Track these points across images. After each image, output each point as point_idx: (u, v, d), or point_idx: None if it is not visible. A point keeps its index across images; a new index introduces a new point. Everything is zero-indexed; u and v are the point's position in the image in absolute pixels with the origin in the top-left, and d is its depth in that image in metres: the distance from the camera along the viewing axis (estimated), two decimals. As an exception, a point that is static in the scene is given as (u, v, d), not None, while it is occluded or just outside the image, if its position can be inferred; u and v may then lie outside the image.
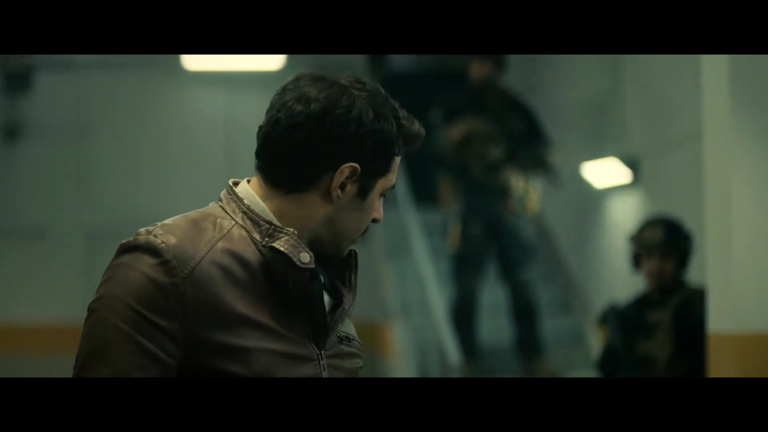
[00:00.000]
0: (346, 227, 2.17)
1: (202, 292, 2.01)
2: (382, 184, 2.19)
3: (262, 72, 10.30)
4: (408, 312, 8.77)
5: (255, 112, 2.66)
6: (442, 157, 7.97)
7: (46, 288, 10.72)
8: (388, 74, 11.24)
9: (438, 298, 7.94)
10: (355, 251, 2.26)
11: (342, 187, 2.13)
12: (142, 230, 2.06)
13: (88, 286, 3.99)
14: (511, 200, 7.92)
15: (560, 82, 9.67)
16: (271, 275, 2.08)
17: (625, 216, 7.90)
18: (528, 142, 7.97)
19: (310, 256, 2.09)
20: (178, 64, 10.64)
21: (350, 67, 10.78)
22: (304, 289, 2.10)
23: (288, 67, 10.08)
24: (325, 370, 2.13)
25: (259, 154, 2.16)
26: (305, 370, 2.10)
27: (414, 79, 11.21)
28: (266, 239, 2.09)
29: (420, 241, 8.58)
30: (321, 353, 2.14)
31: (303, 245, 2.10)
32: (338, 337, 2.21)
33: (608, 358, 5.47)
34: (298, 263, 2.07)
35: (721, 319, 4.36)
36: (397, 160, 2.21)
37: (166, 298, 1.99)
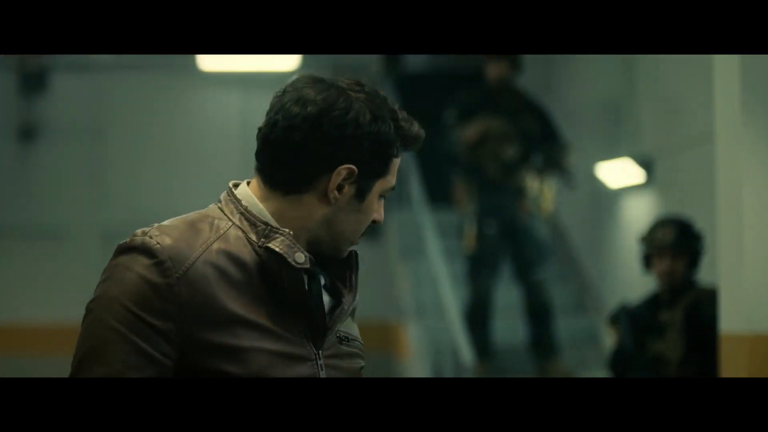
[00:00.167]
0: (344, 228, 2.17)
1: (197, 292, 2.02)
2: (380, 185, 2.19)
3: (277, 73, 10.30)
4: (422, 312, 8.77)
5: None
6: (457, 157, 7.97)
7: (61, 288, 10.74)
8: (402, 74, 11.24)
9: (452, 298, 7.95)
10: (355, 252, 2.26)
11: (339, 188, 2.14)
12: (139, 231, 2.07)
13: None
14: (526, 200, 7.91)
15: (574, 83, 9.66)
16: (266, 275, 2.09)
17: (639, 216, 7.89)
18: (543, 143, 7.96)
19: (306, 257, 2.10)
20: (193, 65, 10.67)
21: (365, 67, 10.79)
22: (300, 289, 2.11)
23: (303, 67, 10.09)
24: (323, 370, 2.14)
25: (258, 155, 2.18)
26: (302, 370, 2.10)
27: (429, 79, 11.20)
28: (262, 240, 2.10)
29: (434, 242, 8.59)
30: (319, 353, 2.14)
31: (298, 246, 2.10)
32: (338, 337, 2.21)
33: (619, 358, 5.47)
34: (293, 263, 2.08)
35: (732, 319, 4.35)
36: (396, 161, 2.21)
37: (161, 299, 2.00)
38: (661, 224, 5.47)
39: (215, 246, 2.07)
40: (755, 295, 4.24)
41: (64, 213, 11.02)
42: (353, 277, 2.25)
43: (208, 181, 10.46)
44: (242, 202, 2.16)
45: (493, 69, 7.95)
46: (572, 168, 7.98)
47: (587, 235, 9.39)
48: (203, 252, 2.06)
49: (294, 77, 2.20)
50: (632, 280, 7.59)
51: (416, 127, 2.22)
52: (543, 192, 7.98)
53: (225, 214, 2.15)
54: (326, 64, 10.04)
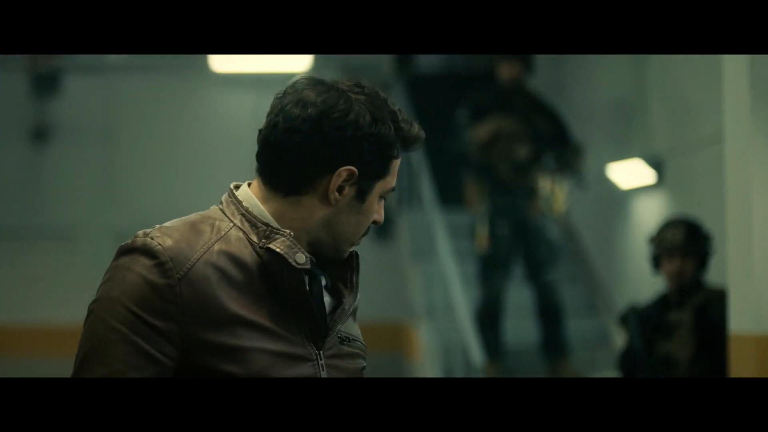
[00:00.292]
0: (344, 230, 2.18)
1: (198, 292, 2.03)
2: (380, 186, 2.20)
3: (289, 74, 10.30)
4: (433, 313, 8.78)
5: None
6: (469, 157, 7.96)
7: (73, 288, 10.77)
8: (414, 75, 11.24)
9: (462, 299, 7.95)
10: (356, 252, 2.27)
11: (340, 190, 2.15)
12: (140, 232, 2.08)
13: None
14: (538, 200, 7.91)
15: (585, 84, 9.66)
16: (267, 276, 2.10)
17: (649, 216, 7.89)
18: (555, 143, 7.96)
19: (306, 257, 2.11)
20: (206, 66, 10.69)
21: (377, 67, 10.81)
22: (301, 289, 2.11)
23: (315, 68, 10.11)
24: (323, 370, 2.14)
25: (259, 157, 2.18)
26: (303, 370, 2.11)
27: (441, 80, 11.20)
28: (263, 241, 2.11)
29: (444, 243, 8.59)
30: (319, 353, 2.15)
31: (299, 246, 2.11)
32: (339, 337, 2.21)
33: (628, 358, 5.48)
34: (294, 264, 2.08)
35: (741, 319, 4.35)
36: (396, 162, 2.21)
37: (162, 299, 2.01)
38: (670, 225, 5.48)
39: (216, 247, 2.08)
40: (764, 295, 4.24)
41: (76, 214, 11.05)
42: (354, 277, 2.25)
43: (219, 182, 10.41)
44: (243, 203, 2.17)
45: (506, 70, 7.95)
46: (584, 168, 7.98)
47: (598, 235, 9.38)
48: (204, 253, 2.07)
49: (294, 79, 2.20)
50: (643, 281, 7.58)
51: (416, 129, 2.22)
52: (555, 192, 7.98)
53: (226, 216, 2.16)
54: (337, 65, 10.05)
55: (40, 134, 11.09)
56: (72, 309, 10.82)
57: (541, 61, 8.99)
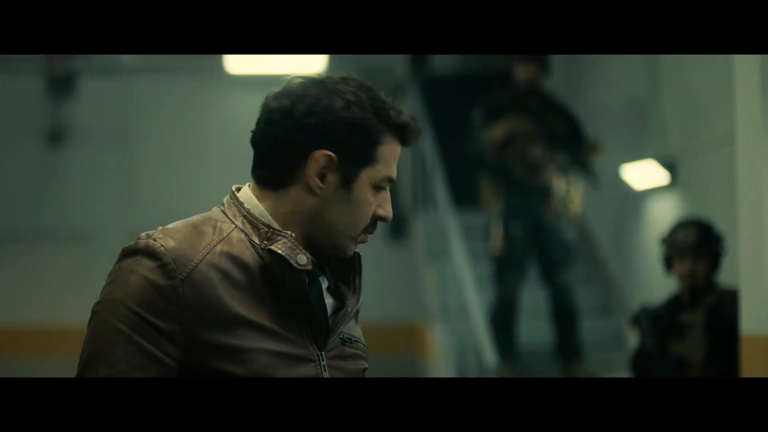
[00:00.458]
0: (334, 221, 2.16)
1: (200, 293, 2.04)
2: (369, 175, 2.17)
3: (303, 75, 10.31)
4: (448, 314, 8.79)
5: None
6: (484, 157, 7.96)
7: (90, 290, 10.79)
8: (429, 76, 11.23)
9: (475, 300, 7.95)
10: (358, 254, 2.26)
11: (322, 177, 2.14)
12: (143, 234, 2.10)
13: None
14: (553, 201, 7.90)
15: (599, 84, 9.66)
16: (269, 277, 2.11)
17: (663, 217, 7.89)
18: (569, 144, 7.95)
19: (308, 258, 2.11)
20: (220, 67, 10.72)
21: (392, 68, 10.81)
22: (302, 290, 2.11)
23: (330, 70, 10.11)
24: (325, 371, 2.15)
25: (253, 157, 2.21)
26: (305, 371, 2.11)
27: (456, 81, 11.19)
28: (264, 242, 2.12)
29: (458, 244, 8.60)
30: (321, 354, 2.15)
31: (300, 248, 2.11)
32: (341, 338, 2.21)
33: (641, 359, 5.48)
34: (295, 265, 2.09)
35: (753, 320, 4.35)
36: (386, 150, 2.17)
37: (165, 301, 2.02)
38: (681, 226, 5.47)
39: (218, 248, 2.09)
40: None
41: (92, 215, 11.09)
42: (357, 279, 2.25)
43: (233, 183, 10.46)
44: (245, 205, 2.18)
45: (522, 71, 7.94)
46: (597, 168, 7.98)
47: (613, 236, 9.37)
48: (206, 254, 2.08)
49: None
50: (658, 282, 7.57)
51: (404, 116, 2.18)
52: (570, 193, 7.97)
53: (228, 217, 2.17)
54: (352, 66, 10.06)
55: (55, 136, 11.14)
56: (87, 310, 10.89)
57: (556, 62, 9.00)
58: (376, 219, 2.21)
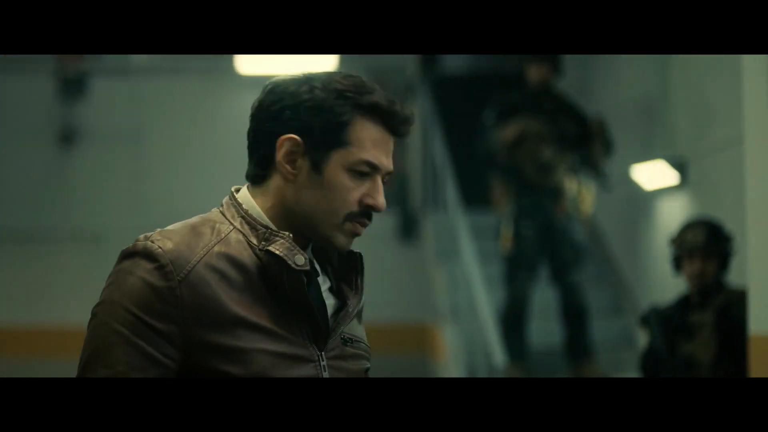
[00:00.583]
0: (311, 207, 2.14)
1: (198, 294, 2.04)
2: (340, 157, 2.14)
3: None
4: (458, 314, 8.79)
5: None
6: (495, 157, 7.96)
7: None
8: (440, 77, 11.23)
9: (485, 300, 7.95)
10: (360, 255, 2.26)
11: (292, 162, 2.14)
12: (141, 236, 2.12)
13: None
14: (564, 201, 7.89)
15: (610, 86, 9.66)
16: (267, 278, 2.11)
17: (673, 218, 7.88)
18: (581, 145, 7.95)
19: (305, 259, 2.11)
20: (231, 68, 10.73)
21: (402, 68, 10.83)
22: (301, 290, 2.11)
23: (340, 70, 10.12)
24: (325, 371, 2.15)
25: None
26: (305, 371, 2.12)
27: (466, 81, 11.19)
28: (262, 243, 2.12)
29: (468, 244, 8.60)
30: (321, 354, 2.15)
31: (298, 248, 2.11)
32: (342, 338, 2.21)
33: (650, 359, 5.47)
34: (293, 266, 2.09)
35: (762, 320, 4.34)
36: (359, 132, 2.14)
37: (163, 302, 2.03)
38: (690, 226, 5.46)
39: (216, 249, 2.10)
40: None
41: (103, 216, 11.10)
42: (358, 279, 2.25)
43: (245, 184, 10.49)
44: (243, 205, 2.19)
45: (534, 72, 7.94)
46: (607, 169, 7.97)
47: (623, 236, 9.37)
48: (204, 255, 2.08)
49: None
50: (668, 282, 7.56)
51: (375, 97, 2.15)
52: (582, 193, 7.97)
53: (226, 218, 2.18)
54: (362, 66, 10.07)
55: (67, 137, 11.16)
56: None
57: (568, 62, 9.00)
58: (365, 208, 2.17)
